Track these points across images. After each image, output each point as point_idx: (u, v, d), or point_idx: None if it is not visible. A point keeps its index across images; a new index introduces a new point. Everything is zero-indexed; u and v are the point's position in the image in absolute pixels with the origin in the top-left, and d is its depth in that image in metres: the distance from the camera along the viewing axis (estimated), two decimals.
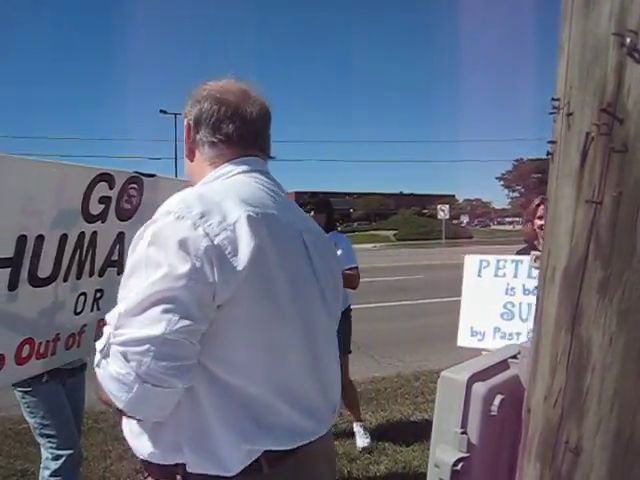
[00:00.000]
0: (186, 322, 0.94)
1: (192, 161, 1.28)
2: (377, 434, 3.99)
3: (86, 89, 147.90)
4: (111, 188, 1.99)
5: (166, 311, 0.93)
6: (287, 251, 1.12)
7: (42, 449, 2.53)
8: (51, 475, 2.48)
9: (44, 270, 1.82)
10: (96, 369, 0.98)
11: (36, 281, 1.80)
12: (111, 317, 0.98)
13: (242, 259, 1.00)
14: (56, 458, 2.46)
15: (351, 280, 3.49)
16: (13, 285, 1.71)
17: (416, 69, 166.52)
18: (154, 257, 0.96)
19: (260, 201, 1.12)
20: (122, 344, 0.93)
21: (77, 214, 1.91)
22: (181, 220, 0.99)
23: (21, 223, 1.71)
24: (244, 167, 1.22)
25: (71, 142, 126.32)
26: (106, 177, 1.96)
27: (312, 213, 3.54)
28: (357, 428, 3.89)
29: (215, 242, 0.98)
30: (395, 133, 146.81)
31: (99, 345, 0.98)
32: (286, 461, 1.08)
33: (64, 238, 1.87)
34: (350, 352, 3.85)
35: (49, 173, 1.82)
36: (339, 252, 3.20)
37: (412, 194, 74.43)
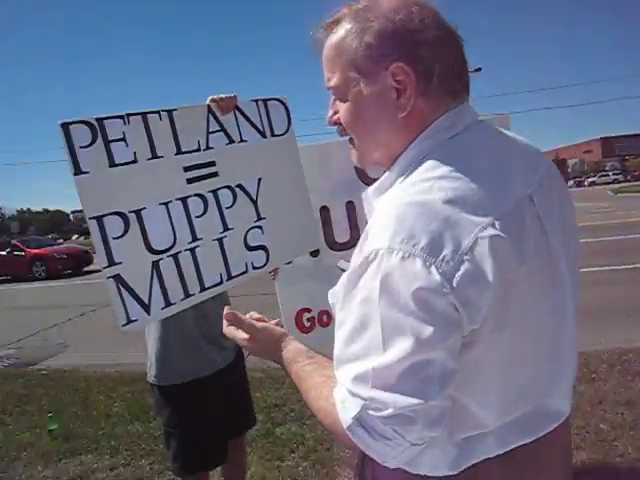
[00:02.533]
0: (447, 380, 0.81)
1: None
2: None
3: None
4: None
5: (424, 380, 0.79)
6: (530, 256, 0.86)
7: None
8: None
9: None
10: (346, 425, 0.86)
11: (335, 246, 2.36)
12: (351, 380, 0.84)
13: (485, 297, 0.79)
14: None
15: None
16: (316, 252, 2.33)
17: None
18: (390, 317, 0.79)
19: (490, 198, 0.84)
20: (386, 421, 0.81)
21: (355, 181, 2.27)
22: (407, 260, 0.78)
23: (321, 197, 2.30)
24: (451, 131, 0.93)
25: None
26: None
27: None
28: None
29: (454, 284, 0.77)
30: None
31: (351, 407, 0.84)
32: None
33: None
34: None
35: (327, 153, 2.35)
36: None
37: None
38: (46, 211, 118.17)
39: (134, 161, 1.71)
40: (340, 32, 0.92)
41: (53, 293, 14.09)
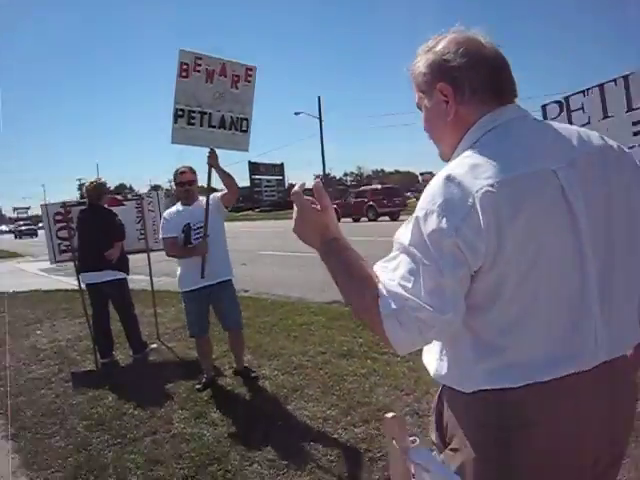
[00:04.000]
0: (457, 301, 1.12)
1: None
2: None
3: None
4: None
5: (441, 298, 1.09)
6: (531, 218, 1.08)
7: None
8: None
9: None
10: (385, 313, 1.10)
11: None
12: (395, 285, 1.12)
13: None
14: None
15: None
16: None
17: None
18: (414, 253, 1.12)
19: (501, 167, 1.10)
20: (415, 319, 1.08)
21: None
22: (429, 215, 1.09)
23: None
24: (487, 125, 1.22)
25: None
26: None
27: None
28: None
29: (458, 231, 1.06)
30: None
31: (392, 303, 1.10)
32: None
33: None
34: None
35: None
36: None
37: None
38: (397, 172, 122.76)
39: (587, 123, 2.36)
40: (415, 65, 1.31)
41: None
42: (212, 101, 4.01)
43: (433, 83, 1.25)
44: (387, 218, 27.22)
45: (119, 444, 3.62)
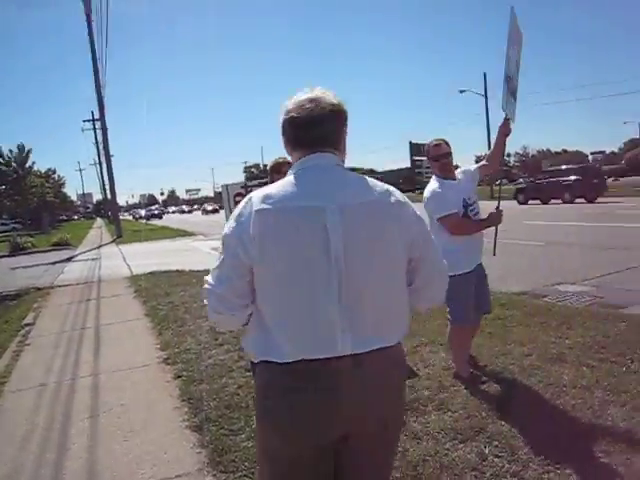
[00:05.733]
0: (223, 281, 1.62)
1: None
2: None
3: None
4: None
5: (219, 278, 1.64)
6: (289, 236, 1.50)
7: None
8: None
9: None
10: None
11: None
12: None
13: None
14: None
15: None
16: None
17: None
18: (220, 248, 1.69)
19: (284, 194, 1.53)
20: (203, 292, 1.76)
21: None
22: (227, 225, 1.62)
23: None
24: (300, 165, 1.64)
25: None
26: None
27: None
28: None
29: (239, 234, 1.54)
30: None
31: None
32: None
33: None
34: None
35: None
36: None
37: None
38: (565, 151, 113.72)
39: None
40: None
41: None
42: (515, 69, 3.83)
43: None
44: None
45: None
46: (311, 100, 1.59)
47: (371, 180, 1.63)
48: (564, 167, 28.61)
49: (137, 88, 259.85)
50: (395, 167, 59.17)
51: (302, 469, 1.60)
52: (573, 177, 25.35)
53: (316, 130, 1.58)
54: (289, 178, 1.58)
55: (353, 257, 1.49)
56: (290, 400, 1.53)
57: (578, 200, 24.73)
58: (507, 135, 3.82)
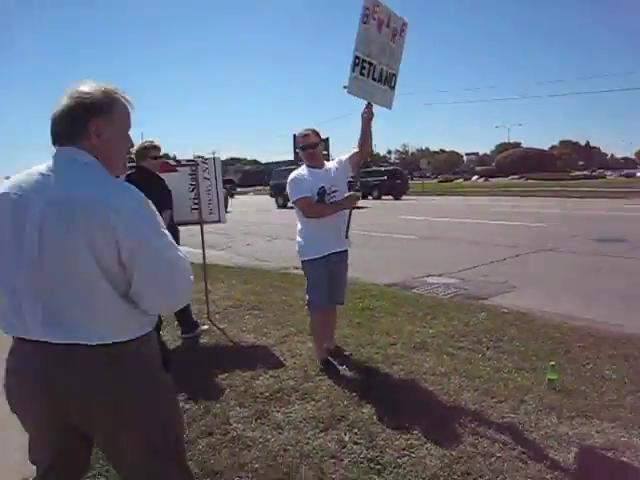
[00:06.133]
0: None
1: None
2: None
3: None
4: None
5: None
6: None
7: None
8: None
9: None
10: None
11: None
12: None
13: None
14: None
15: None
16: None
17: None
18: None
19: (12, 183, 1.57)
20: None
21: None
22: None
23: None
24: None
25: None
26: None
27: None
28: None
29: None
30: None
31: None
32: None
33: None
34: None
35: None
36: None
37: None
38: (442, 151, 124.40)
39: None
40: None
41: None
42: (378, 52, 3.82)
43: None
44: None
45: None
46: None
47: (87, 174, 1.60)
48: (374, 169, 33.20)
49: None
50: (280, 159, 58.96)
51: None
52: (381, 178, 30.00)
53: (60, 125, 1.60)
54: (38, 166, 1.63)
55: (46, 250, 1.53)
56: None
57: (385, 197, 29.60)
58: (370, 119, 3.89)
